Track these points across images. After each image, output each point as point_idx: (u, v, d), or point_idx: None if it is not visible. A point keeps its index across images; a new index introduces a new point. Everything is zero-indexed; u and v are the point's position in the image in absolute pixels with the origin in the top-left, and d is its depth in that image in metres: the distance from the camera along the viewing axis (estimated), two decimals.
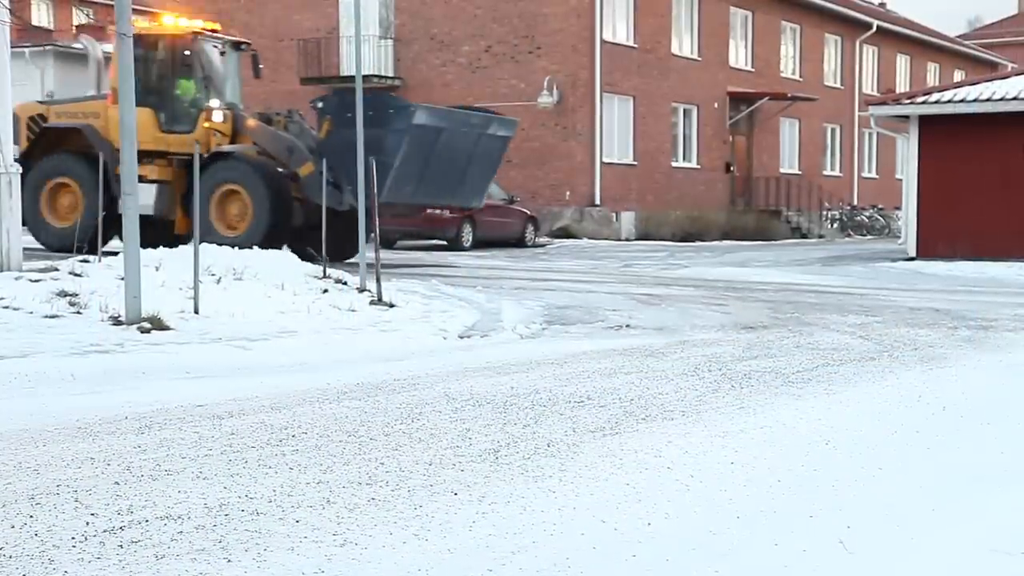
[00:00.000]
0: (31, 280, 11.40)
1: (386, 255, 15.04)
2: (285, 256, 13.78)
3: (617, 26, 32.82)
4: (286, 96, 34.82)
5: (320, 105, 18.26)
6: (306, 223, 18.32)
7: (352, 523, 4.21)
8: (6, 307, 10.26)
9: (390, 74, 33.10)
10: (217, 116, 19.12)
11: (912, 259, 23.29)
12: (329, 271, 13.62)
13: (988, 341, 10.77)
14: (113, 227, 17.90)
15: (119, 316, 9.89)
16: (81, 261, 12.96)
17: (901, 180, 26.92)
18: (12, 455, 5.33)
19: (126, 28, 10.06)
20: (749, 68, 38.39)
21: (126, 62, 10.10)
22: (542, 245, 28.40)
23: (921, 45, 47.74)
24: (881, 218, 39.56)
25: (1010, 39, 60.52)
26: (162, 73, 19.22)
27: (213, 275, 12.22)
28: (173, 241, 19.40)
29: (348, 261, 17.71)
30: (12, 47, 14.05)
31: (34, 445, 5.58)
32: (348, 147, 15.34)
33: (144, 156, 18.11)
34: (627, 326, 11.50)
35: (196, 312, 10.50)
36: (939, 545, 4.08)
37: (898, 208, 33.15)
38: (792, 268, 21.67)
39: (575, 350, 9.73)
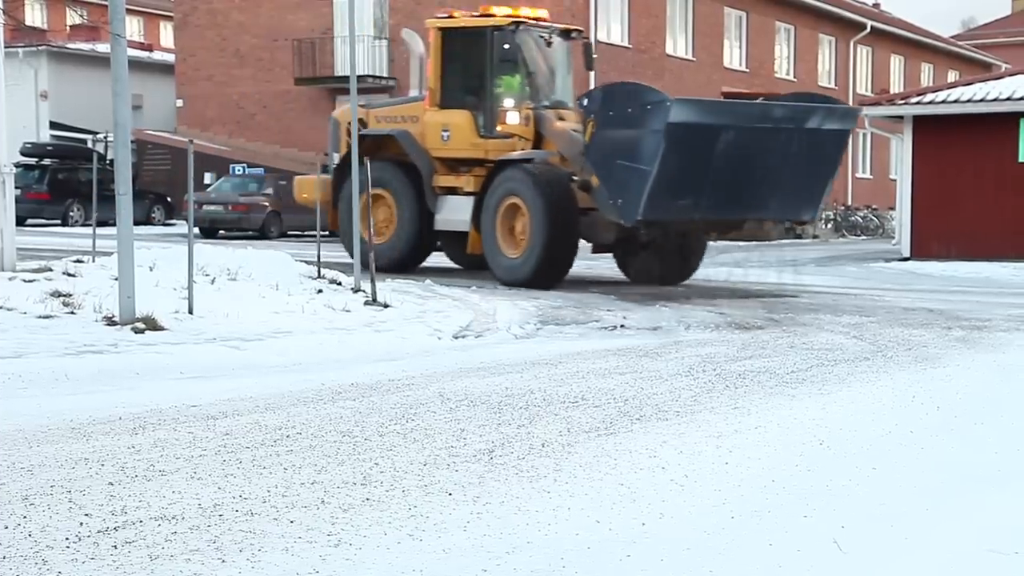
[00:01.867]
0: (25, 280, 11.38)
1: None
2: (279, 256, 13.76)
3: (611, 26, 32.85)
4: (279, 96, 34.85)
5: (585, 103, 15.08)
6: (623, 240, 15.99)
7: (347, 523, 4.20)
8: (0, 307, 10.24)
9: (384, 74, 33.08)
10: (513, 118, 16.38)
11: (906, 259, 23.32)
12: (324, 271, 13.61)
13: (982, 341, 10.78)
14: (428, 244, 17.43)
15: (113, 316, 9.88)
16: (75, 261, 12.94)
17: (895, 180, 26.93)
18: (6, 455, 5.32)
19: (120, 29, 10.04)
20: (743, 68, 38.43)
21: (120, 63, 10.08)
22: None
23: (915, 46, 47.80)
24: (875, 218, 39.58)
25: (1004, 40, 60.59)
26: (478, 70, 16.69)
27: (207, 275, 12.21)
28: (465, 261, 17.88)
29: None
30: (5, 47, 14.01)
31: (28, 445, 5.57)
32: (612, 151, 14.22)
33: (461, 164, 16.82)
34: (621, 326, 11.50)
35: (190, 312, 10.48)
36: (933, 545, 4.08)
37: (892, 208, 33.19)
38: (786, 268, 21.69)
39: (570, 350, 9.73)
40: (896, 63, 47.36)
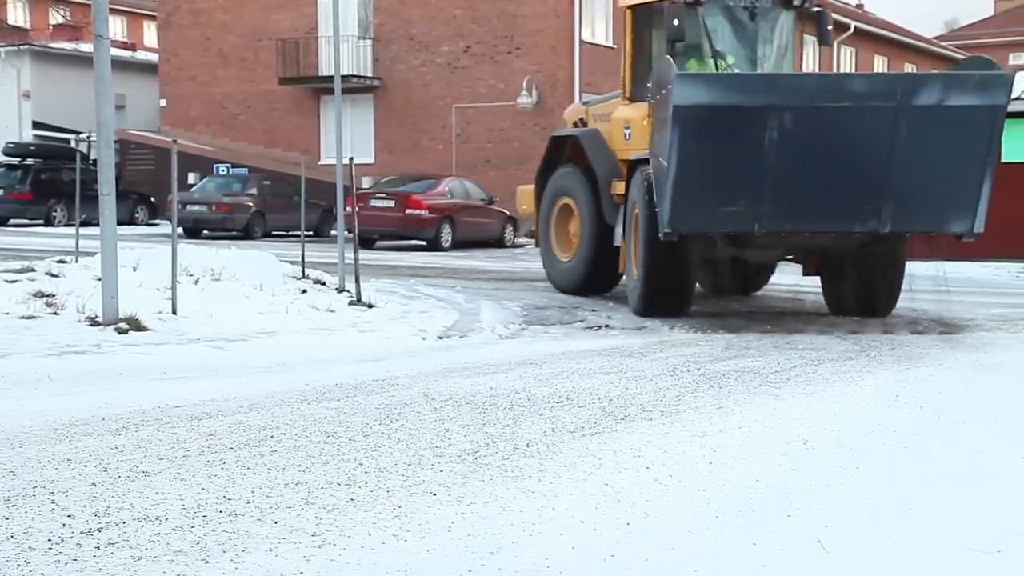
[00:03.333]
0: (7, 281, 11.34)
1: (365, 255, 15.01)
2: (263, 256, 13.73)
3: (596, 26, 32.86)
4: (263, 96, 34.77)
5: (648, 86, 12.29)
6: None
7: (331, 524, 4.20)
8: None
9: (369, 74, 33.04)
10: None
11: None
12: (308, 271, 13.58)
13: (965, 341, 10.82)
14: (611, 265, 13.72)
15: (96, 317, 9.84)
16: (58, 262, 12.89)
17: None
18: None
19: (103, 29, 10.01)
20: None
21: (103, 62, 10.04)
22: (521, 246, 28.40)
23: (899, 46, 47.95)
24: None
25: (986, 40, 60.84)
26: (657, 54, 13.16)
27: (191, 275, 12.18)
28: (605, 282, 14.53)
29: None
30: None
31: (10, 446, 5.55)
32: (655, 145, 11.52)
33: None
34: (606, 326, 11.50)
35: (174, 313, 10.46)
36: (916, 544, 4.10)
37: None
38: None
39: (554, 350, 9.73)
40: (880, 63, 47.48)
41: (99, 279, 10.16)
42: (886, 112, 10.80)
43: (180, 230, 16.59)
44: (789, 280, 15.67)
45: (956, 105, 10.89)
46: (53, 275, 11.87)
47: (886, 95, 10.90)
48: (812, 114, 10.79)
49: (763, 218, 11.06)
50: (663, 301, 12.22)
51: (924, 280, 15.99)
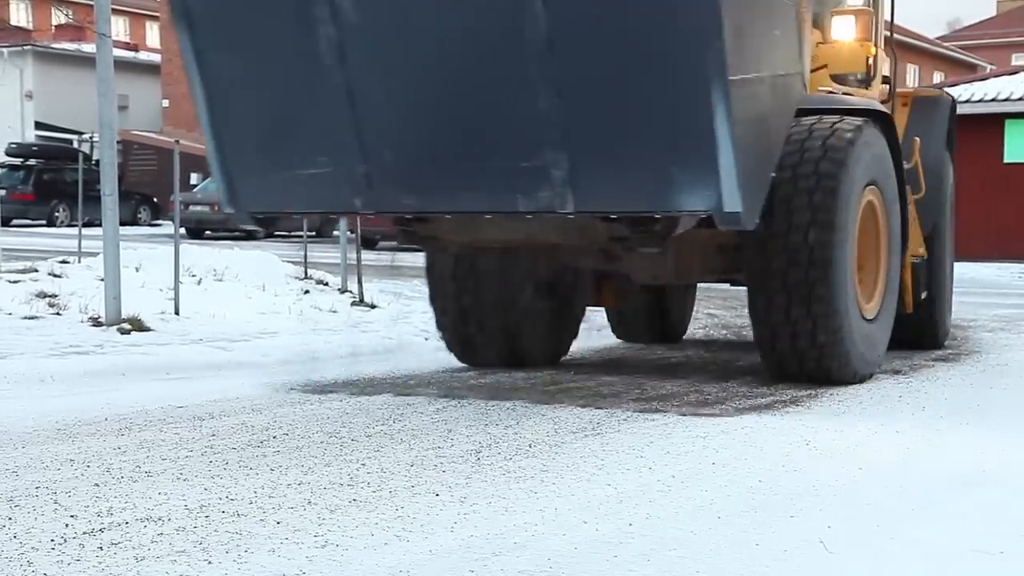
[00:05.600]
0: (10, 281, 11.35)
1: (368, 256, 15.00)
2: (266, 257, 13.74)
3: None
4: None
5: None
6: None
7: (333, 524, 4.20)
8: None
9: None
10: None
11: None
12: (310, 272, 13.59)
13: (967, 342, 10.82)
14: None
15: (99, 317, 9.86)
16: (60, 262, 12.90)
17: None
18: None
19: (105, 28, 10.03)
20: None
21: (105, 63, 10.06)
22: None
23: (901, 47, 47.88)
24: None
25: (989, 41, 60.83)
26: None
27: (194, 276, 12.19)
28: None
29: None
30: None
31: (13, 447, 5.55)
32: None
33: None
34: (608, 326, 11.50)
35: (176, 313, 10.47)
36: (919, 545, 4.09)
37: None
38: None
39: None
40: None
41: (102, 279, 10.17)
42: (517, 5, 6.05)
43: (182, 230, 16.60)
44: None
45: None
46: (56, 275, 11.88)
47: None
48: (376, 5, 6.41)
49: (363, 188, 6.70)
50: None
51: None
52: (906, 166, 9.27)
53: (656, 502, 4.62)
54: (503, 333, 8.73)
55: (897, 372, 8.79)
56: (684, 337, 10.96)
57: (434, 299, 8.87)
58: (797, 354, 7.80)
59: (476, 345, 8.79)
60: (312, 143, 6.78)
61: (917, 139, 9.88)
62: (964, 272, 20.74)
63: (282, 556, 3.81)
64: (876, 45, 9.58)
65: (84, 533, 4.04)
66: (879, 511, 4.55)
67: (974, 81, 26.28)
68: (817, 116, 8.02)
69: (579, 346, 9.66)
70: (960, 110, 22.77)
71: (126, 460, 5.27)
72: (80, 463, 5.20)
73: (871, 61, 9.50)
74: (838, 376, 7.86)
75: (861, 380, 8.01)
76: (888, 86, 10.04)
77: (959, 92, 23.85)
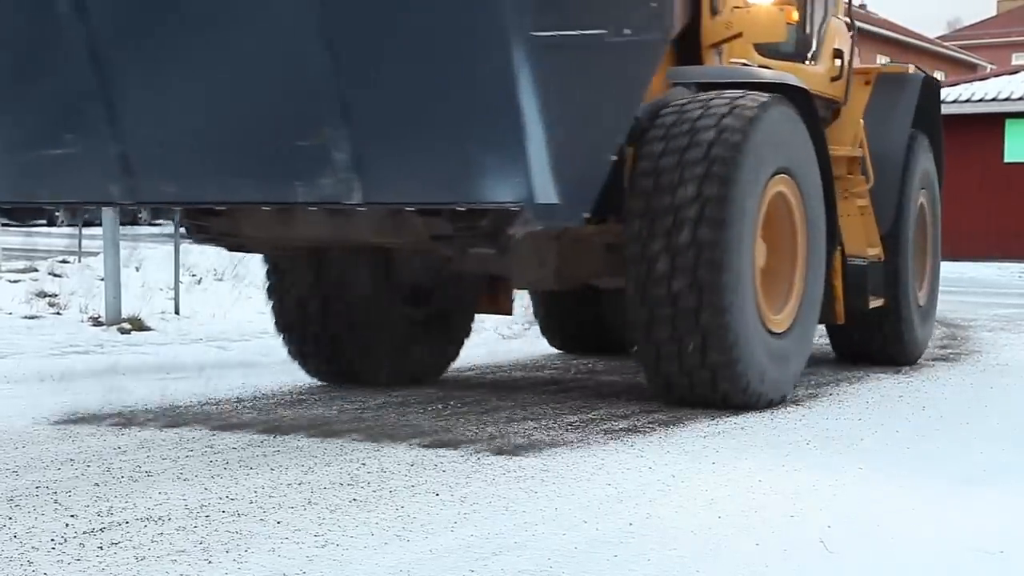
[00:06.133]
0: (10, 281, 11.35)
1: None
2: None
3: None
4: None
5: None
6: None
7: (334, 524, 4.20)
8: None
9: None
10: None
11: None
12: None
13: (967, 341, 10.82)
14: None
15: (99, 317, 9.86)
16: (61, 262, 12.91)
17: None
18: None
19: None
20: None
21: None
22: None
23: (901, 46, 47.94)
24: None
25: (989, 41, 60.85)
26: None
27: (194, 275, 12.20)
28: None
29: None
30: None
31: (13, 447, 5.55)
32: None
33: None
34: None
35: (176, 313, 10.48)
36: (919, 544, 4.09)
37: None
38: None
39: (557, 350, 9.73)
40: (882, 63, 47.49)
41: (102, 279, 10.18)
42: None
43: (183, 230, 16.60)
44: None
45: None
46: (56, 275, 11.89)
47: None
48: None
49: (119, 173, 5.49)
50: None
51: None
52: (855, 153, 8.35)
53: (656, 501, 4.62)
54: (339, 343, 7.54)
55: (897, 372, 8.79)
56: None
57: (271, 297, 7.83)
58: (686, 375, 6.63)
59: (309, 354, 7.74)
60: (55, 116, 5.46)
61: (861, 121, 8.73)
62: (964, 272, 20.76)
63: (282, 556, 3.81)
64: (806, 9, 8.30)
65: (84, 533, 4.04)
66: (879, 510, 4.55)
67: (974, 81, 26.28)
68: (717, 91, 6.85)
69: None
70: (960, 110, 22.87)
71: (126, 460, 5.27)
72: (80, 463, 5.20)
73: (807, 30, 8.25)
74: (737, 400, 6.68)
75: (769, 405, 6.86)
76: (840, 61, 8.69)
77: (959, 92, 23.86)
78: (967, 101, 23.15)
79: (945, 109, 23.02)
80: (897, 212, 8.97)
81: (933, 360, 9.46)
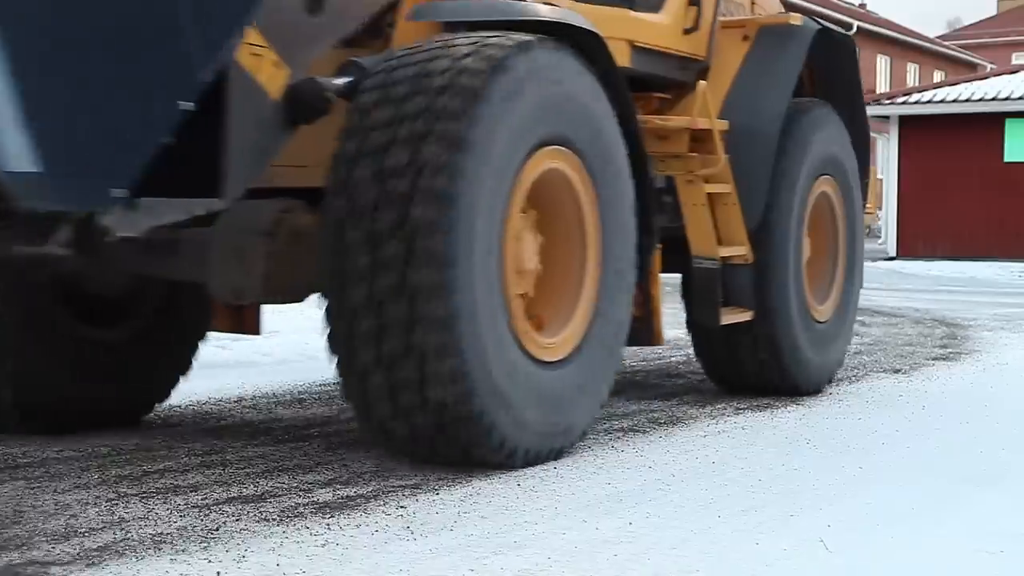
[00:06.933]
0: None
1: None
2: None
3: None
4: None
5: None
6: None
7: (334, 524, 4.20)
8: None
9: None
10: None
11: (892, 259, 23.43)
12: None
13: (967, 341, 10.82)
14: None
15: None
16: None
17: (881, 180, 27.05)
18: None
19: None
20: None
21: None
22: None
23: (901, 46, 47.95)
24: None
25: (989, 40, 60.87)
26: None
27: None
28: None
29: None
30: None
31: (13, 446, 5.55)
32: None
33: None
34: None
35: None
36: (919, 544, 4.09)
37: (878, 208, 33.27)
38: None
39: None
40: (882, 63, 47.50)
41: None
42: None
43: None
44: None
45: None
46: None
47: None
48: None
49: None
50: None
51: (914, 279, 15.99)
52: (697, 125, 6.57)
53: (656, 501, 4.62)
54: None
55: (897, 371, 8.79)
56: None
57: None
58: (403, 419, 4.83)
59: None
60: None
61: (703, 83, 6.68)
62: (964, 271, 20.77)
63: (283, 555, 3.81)
64: None
65: (83, 533, 4.04)
66: (879, 511, 4.55)
67: (974, 80, 26.29)
68: (465, 33, 5.05)
69: None
70: (960, 109, 22.89)
71: (125, 460, 5.27)
72: (79, 463, 5.20)
73: None
74: (478, 456, 4.93)
75: (531, 462, 5.10)
76: (697, 8, 6.88)
77: (959, 91, 23.86)
78: (967, 101, 23.15)
79: (945, 109, 23.13)
80: (770, 202, 7.02)
81: (933, 360, 9.46)
